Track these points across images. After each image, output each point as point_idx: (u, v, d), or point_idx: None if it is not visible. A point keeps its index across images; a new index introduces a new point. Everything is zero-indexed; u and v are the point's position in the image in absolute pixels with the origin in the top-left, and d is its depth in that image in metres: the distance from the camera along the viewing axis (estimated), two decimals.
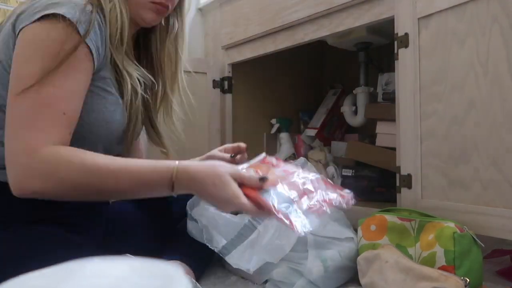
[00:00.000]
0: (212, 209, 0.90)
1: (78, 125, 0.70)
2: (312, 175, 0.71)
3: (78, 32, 0.66)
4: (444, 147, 0.85)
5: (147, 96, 0.89)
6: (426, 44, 0.88)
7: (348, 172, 1.22)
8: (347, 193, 0.70)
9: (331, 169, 1.42)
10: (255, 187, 0.63)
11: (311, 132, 1.60)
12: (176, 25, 0.94)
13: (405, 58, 0.92)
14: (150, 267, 0.31)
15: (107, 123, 0.75)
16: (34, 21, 0.64)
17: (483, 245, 0.75)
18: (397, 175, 0.95)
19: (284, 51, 1.31)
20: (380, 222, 0.85)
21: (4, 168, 0.64)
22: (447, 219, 0.77)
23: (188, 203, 0.93)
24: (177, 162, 0.65)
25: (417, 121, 0.90)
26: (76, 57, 0.66)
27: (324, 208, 0.64)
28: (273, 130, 1.67)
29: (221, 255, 0.83)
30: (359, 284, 0.80)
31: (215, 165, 0.65)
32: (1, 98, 0.69)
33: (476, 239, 0.75)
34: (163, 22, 0.92)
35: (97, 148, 0.73)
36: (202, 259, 0.91)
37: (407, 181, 0.92)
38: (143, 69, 0.84)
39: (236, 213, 0.87)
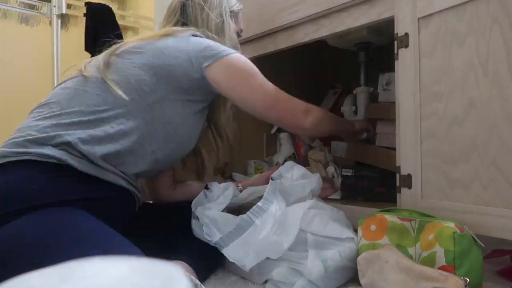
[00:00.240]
0: (214, 209, 0.90)
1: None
2: None
3: None
4: (444, 147, 0.85)
5: None
6: (426, 44, 0.88)
7: (348, 172, 1.21)
8: None
9: (331, 169, 1.42)
10: None
11: None
12: None
13: (405, 58, 0.92)
14: (150, 267, 0.31)
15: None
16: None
17: (483, 245, 0.75)
18: (397, 175, 0.95)
19: (284, 51, 1.31)
20: (380, 222, 0.85)
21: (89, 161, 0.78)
22: (447, 219, 0.77)
23: (193, 202, 0.94)
24: None
25: (417, 121, 0.90)
26: None
27: None
28: (273, 130, 1.67)
29: (217, 246, 0.83)
30: (359, 284, 0.80)
31: None
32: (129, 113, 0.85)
33: (476, 239, 0.75)
34: None
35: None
36: (207, 261, 0.91)
37: (407, 181, 0.92)
38: None
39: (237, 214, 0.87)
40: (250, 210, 0.83)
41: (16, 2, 2.14)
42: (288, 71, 1.72)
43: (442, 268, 0.72)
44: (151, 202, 1.13)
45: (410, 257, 0.78)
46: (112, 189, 0.83)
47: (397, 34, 0.94)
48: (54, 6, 2.11)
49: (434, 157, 0.87)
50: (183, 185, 1.11)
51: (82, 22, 2.22)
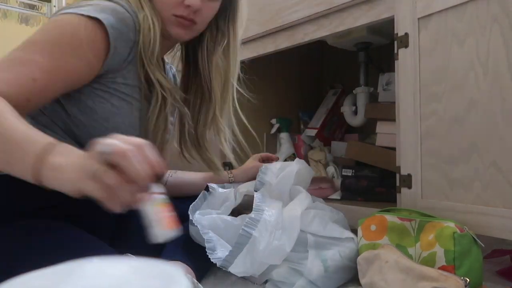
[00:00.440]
0: (214, 213, 0.90)
1: (77, 124, 0.70)
2: None
3: (107, 35, 0.68)
4: (444, 147, 0.85)
5: (187, 111, 0.88)
6: (426, 44, 0.88)
7: (348, 172, 1.21)
8: None
9: (331, 169, 1.42)
10: None
11: (311, 132, 1.60)
12: (226, 35, 0.88)
13: (405, 58, 0.92)
14: (150, 267, 0.31)
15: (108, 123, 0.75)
16: (74, 13, 0.67)
17: (483, 245, 0.75)
18: (397, 175, 0.95)
19: (284, 51, 1.31)
20: (380, 222, 0.85)
21: None
22: (447, 219, 0.77)
23: (190, 207, 0.93)
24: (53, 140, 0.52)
25: (417, 121, 0.90)
26: (88, 44, 0.67)
27: None
28: (273, 130, 1.67)
29: (224, 268, 0.81)
30: (359, 284, 0.80)
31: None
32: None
33: (476, 239, 0.75)
34: (214, 32, 0.87)
35: None
36: (204, 259, 0.91)
37: (407, 181, 0.92)
38: (169, 80, 0.83)
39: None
40: (244, 223, 0.82)
41: (16, 2, 2.14)
42: (288, 71, 1.72)
43: (442, 268, 0.72)
44: None
45: (410, 257, 0.78)
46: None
47: (397, 34, 0.94)
48: (54, 6, 2.11)
49: (434, 157, 0.87)
50: (173, 179, 1.03)
51: None
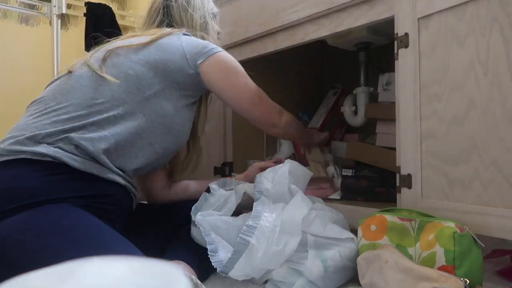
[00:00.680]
0: (215, 214, 0.90)
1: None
2: None
3: None
4: (444, 147, 0.85)
5: None
6: (426, 44, 0.88)
7: (348, 172, 1.21)
8: None
9: (331, 169, 1.42)
10: None
11: None
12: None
13: (405, 58, 0.92)
14: (150, 267, 0.31)
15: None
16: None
17: (483, 245, 0.75)
18: (397, 175, 0.95)
19: (284, 51, 1.31)
20: (380, 222, 0.85)
21: (86, 157, 0.79)
22: (447, 219, 0.77)
23: (193, 208, 0.93)
24: None
25: (417, 121, 0.90)
26: None
27: None
28: None
29: (224, 274, 0.81)
30: (359, 284, 0.80)
31: None
32: (126, 105, 0.87)
33: (476, 239, 0.75)
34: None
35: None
36: (206, 260, 0.91)
37: (407, 181, 0.92)
38: None
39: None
40: (242, 231, 0.82)
41: (16, 2, 2.14)
42: (288, 71, 1.72)
43: (442, 268, 0.72)
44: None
45: (410, 257, 0.78)
46: (108, 186, 0.83)
47: (397, 34, 0.94)
48: (54, 6, 2.11)
49: (434, 157, 0.87)
50: (179, 185, 1.12)
51: (82, 22, 2.21)
